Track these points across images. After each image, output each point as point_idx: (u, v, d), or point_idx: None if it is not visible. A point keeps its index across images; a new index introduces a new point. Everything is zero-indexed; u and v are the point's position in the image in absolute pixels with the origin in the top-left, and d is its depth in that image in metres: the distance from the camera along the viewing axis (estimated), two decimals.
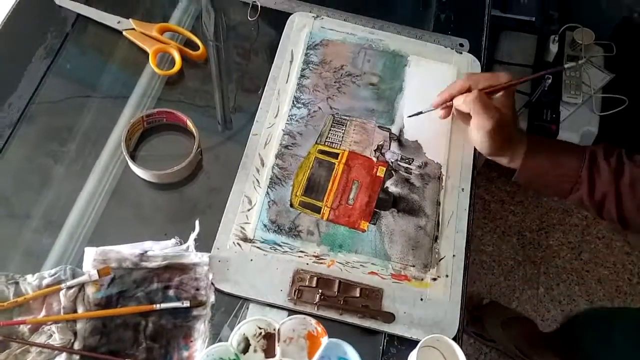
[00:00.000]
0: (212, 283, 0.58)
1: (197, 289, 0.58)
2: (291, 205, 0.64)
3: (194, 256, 0.59)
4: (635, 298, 1.41)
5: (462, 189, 0.67)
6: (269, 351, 0.55)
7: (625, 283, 1.43)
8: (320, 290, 0.59)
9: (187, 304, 0.57)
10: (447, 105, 0.67)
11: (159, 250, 0.59)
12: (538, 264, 1.44)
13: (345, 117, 0.71)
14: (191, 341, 0.56)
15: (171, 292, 0.58)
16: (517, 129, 0.64)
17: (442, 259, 0.63)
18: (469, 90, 0.63)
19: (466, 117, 0.64)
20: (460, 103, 0.63)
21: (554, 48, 1.32)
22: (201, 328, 0.57)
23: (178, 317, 0.57)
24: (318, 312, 0.58)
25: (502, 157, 0.65)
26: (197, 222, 0.61)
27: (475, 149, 0.69)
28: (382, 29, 0.78)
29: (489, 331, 1.29)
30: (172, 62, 0.72)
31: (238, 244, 0.61)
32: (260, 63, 0.75)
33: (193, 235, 0.60)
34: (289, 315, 0.56)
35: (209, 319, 0.57)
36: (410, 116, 0.70)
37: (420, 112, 0.69)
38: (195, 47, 0.73)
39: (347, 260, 0.62)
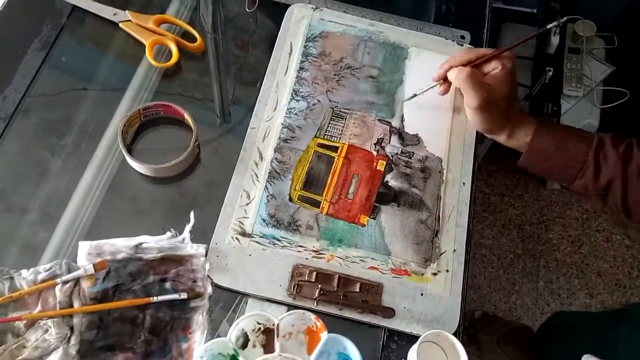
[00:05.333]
0: (208, 275, 0.58)
1: (194, 281, 0.58)
2: (290, 200, 0.63)
3: (189, 247, 0.59)
4: (635, 291, 1.41)
5: (463, 183, 0.67)
6: (268, 346, 0.54)
7: (625, 276, 1.43)
8: (319, 285, 0.58)
9: (184, 295, 0.56)
10: (446, 80, 0.66)
11: (154, 242, 0.58)
12: (538, 258, 1.44)
13: (344, 110, 0.70)
14: (190, 333, 0.56)
15: (168, 285, 0.57)
16: (516, 106, 0.63)
17: (442, 253, 0.62)
18: (469, 63, 0.62)
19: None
20: (453, 77, 0.62)
21: (555, 40, 1.30)
22: (199, 319, 0.56)
23: (176, 309, 0.57)
24: (317, 307, 0.58)
25: (498, 134, 0.64)
26: (192, 214, 0.60)
27: (476, 142, 0.69)
28: (382, 21, 0.77)
29: (485, 351, 1.26)
30: (169, 55, 0.71)
31: (236, 238, 0.60)
32: (259, 55, 0.74)
33: (188, 227, 0.60)
34: (288, 311, 0.56)
35: (206, 310, 0.57)
36: (408, 99, 0.69)
37: (415, 95, 0.69)
38: (192, 39, 0.72)
39: (347, 254, 0.61)
